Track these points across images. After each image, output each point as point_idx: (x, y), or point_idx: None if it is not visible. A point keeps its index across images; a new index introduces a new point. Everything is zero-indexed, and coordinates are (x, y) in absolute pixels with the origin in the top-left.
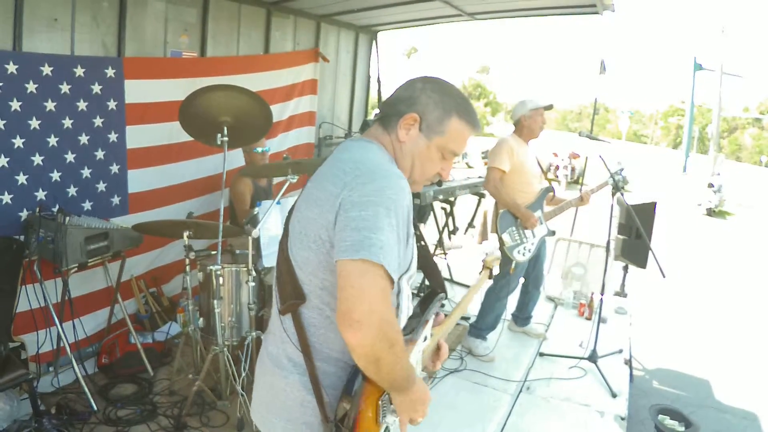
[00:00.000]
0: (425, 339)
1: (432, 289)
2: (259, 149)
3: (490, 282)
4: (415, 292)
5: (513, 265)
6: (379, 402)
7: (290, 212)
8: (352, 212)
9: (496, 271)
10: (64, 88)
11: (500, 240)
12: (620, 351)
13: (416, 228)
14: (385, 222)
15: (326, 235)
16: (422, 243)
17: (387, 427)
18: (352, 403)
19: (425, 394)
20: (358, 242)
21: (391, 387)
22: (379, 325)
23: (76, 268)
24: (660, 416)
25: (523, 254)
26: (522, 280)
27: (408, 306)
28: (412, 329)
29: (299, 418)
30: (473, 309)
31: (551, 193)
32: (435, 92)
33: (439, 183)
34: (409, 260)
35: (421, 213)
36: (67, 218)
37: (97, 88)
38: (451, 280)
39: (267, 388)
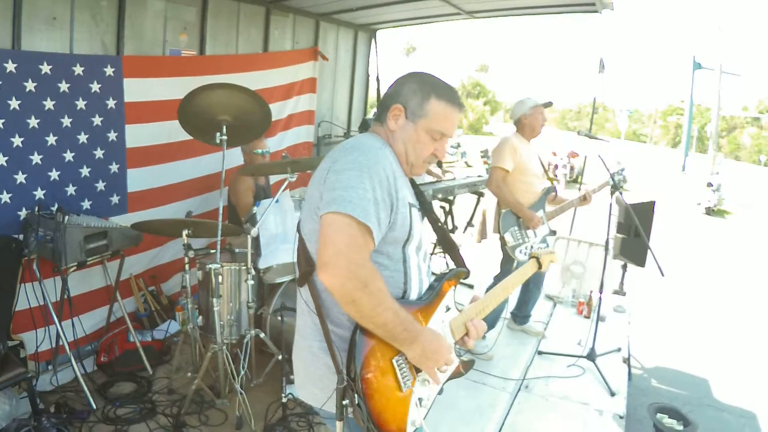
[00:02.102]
0: (447, 309)
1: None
2: (260, 151)
3: (538, 271)
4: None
5: (515, 265)
6: (393, 362)
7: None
8: (332, 177)
9: (546, 264)
10: (63, 86)
11: (502, 240)
12: (619, 349)
13: (426, 204)
14: (357, 182)
15: (320, 204)
16: (439, 224)
17: (420, 399)
18: (354, 358)
19: (439, 344)
20: (331, 199)
21: (390, 337)
22: (345, 265)
23: (75, 267)
24: (658, 415)
25: (525, 254)
26: None
27: (420, 276)
28: (426, 297)
29: (329, 385)
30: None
31: (553, 194)
32: (414, 82)
33: (439, 164)
34: (408, 227)
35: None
36: (66, 217)
37: (96, 87)
38: None
39: (300, 363)
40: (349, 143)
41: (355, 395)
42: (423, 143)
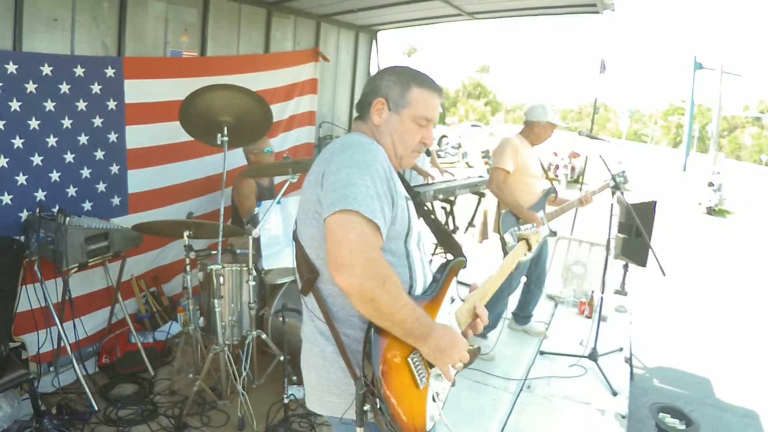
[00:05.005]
0: (452, 301)
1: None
2: (269, 149)
3: (528, 254)
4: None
5: (515, 265)
6: (409, 360)
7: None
8: (330, 178)
9: (534, 245)
10: (64, 88)
11: (502, 240)
12: (620, 349)
13: (417, 197)
14: (357, 178)
15: (319, 208)
16: (433, 217)
17: (436, 393)
18: (371, 361)
19: (453, 338)
20: (334, 200)
21: (407, 334)
22: (362, 263)
23: (76, 268)
24: (660, 414)
25: (514, 237)
26: (524, 279)
27: (423, 270)
28: (431, 291)
29: (346, 390)
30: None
31: (553, 194)
32: (391, 75)
33: (427, 152)
34: (407, 221)
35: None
36: (67, 218)
37: (96, 88)
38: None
39: (313, 371)
40: (340, 143)
41: (376, 399)
42: (410, 132)
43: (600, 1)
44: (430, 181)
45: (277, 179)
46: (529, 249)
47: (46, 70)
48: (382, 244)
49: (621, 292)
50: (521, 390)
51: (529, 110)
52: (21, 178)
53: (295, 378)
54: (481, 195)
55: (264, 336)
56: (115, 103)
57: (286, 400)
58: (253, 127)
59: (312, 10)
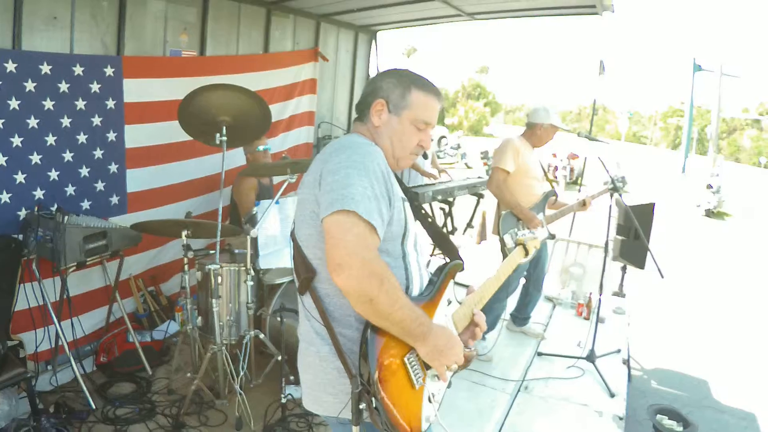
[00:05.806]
0: (449, 303)
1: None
2: (261, 147)
3: (525, 258)
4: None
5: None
6: (405, 360)
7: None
8: (328, 179)
9: (531, 250)
10: (63, 86)
11: (501, 241)
12: (618, 351)
13: (412, 195)
14: (356, 179)
15: (316, 208)
16: (430, 220)
17: (432, 395)
18: (367, 361)
19: (450, 339)
20: (332, 200)
21: (405, 333)
22: (359, 264)
23: (74, 267)
24: (658, 416)
25: (513, 240)
26: (522, 280)
27: (419, 271)
28: (428, 293)
29: (341, 390)
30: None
31: (553, 197)
32: (392, 77)
33: (425, 155)
34: (403, 222)
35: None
36: (66, 217)
37: (96, 87)
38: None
39: (309, 370)
40: (338, 143)
41: (372, 398)
42: (408, 135)
43: (599, 2)
44: (431, 182)
45: (276, 179)
46: (526, 255)
47: (45, 68)
48: (378, 244)
49: (619, 293)
50: (519, 391)
51: (532, 112)
52: (20, 177)
53: (292, 378)
54: (480, 196)
55: (261, 336)
56: (114, 102)
57: (283, 400)
58: (252, 127)
59: (311, 9)
